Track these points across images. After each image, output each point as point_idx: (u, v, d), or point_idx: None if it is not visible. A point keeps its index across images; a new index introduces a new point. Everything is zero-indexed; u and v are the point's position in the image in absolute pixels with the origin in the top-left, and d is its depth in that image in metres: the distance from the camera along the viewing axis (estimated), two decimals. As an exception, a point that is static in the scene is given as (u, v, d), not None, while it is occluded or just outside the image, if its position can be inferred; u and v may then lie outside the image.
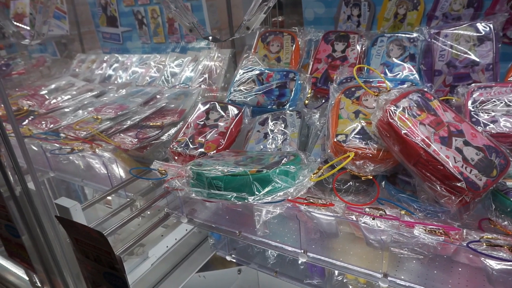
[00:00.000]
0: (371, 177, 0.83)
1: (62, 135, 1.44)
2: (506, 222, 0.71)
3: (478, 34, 1.10)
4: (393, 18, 1.38)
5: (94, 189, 1.83)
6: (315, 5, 1.53)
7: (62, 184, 2.05)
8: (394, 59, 1.21)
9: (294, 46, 1.42)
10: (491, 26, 1.09)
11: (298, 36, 1.44)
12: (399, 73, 1.18)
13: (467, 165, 0.72)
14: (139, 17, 2.08)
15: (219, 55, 1.72)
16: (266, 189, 0.73)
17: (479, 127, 0.87)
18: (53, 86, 1.96)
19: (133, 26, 2.14)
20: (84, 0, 2.29)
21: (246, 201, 0.73)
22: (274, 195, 0.72)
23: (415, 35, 1.20)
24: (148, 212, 1.34)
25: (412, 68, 1.16)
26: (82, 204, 1.14)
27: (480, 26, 1.10)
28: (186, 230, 1.39)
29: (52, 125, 1.55)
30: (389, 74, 1.19)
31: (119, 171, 1.35)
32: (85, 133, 1.40)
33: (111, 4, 2.16)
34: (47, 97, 1.80)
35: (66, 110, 1.68)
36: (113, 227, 1.10)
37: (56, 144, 1.41)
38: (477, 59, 1.09)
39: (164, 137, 1.35)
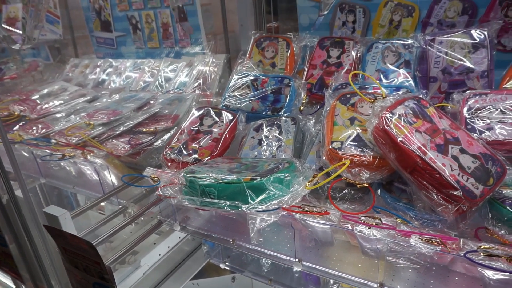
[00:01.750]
0: (367, 185, 0.82)
1: (53, 141, 1.41)
2: (503, 231, 0.70)
3: (473, 41, 1.10)
4: (388, 24, 1.38)
5: (86, 196, 1.80)
6: (310, 11, 1.53)
7: (53, 190, 2.02)
8: (389, 65, 1.20)
9: (289, 51, 1.42)
10: (486, 33, 1.09)
11: (293, 41, 1.43)
12: (394, 80, 1.17)
13: (464, 173, 0.72)
14: (133, 22, 2.06)
15: (214, 60, 1.71)
16: (260, 197, 0.71)
17: (474, 134, 0.86)
18: (45, 91, 1.93)
19: (127, 31, 2.13)
20: (78, 4, 2.27)
21: (239, 209, 0.71)
22: (268, 204, 0.71)
23: (410, 41, 1.20)
24: (142, 219, 1.32)
25: (407, 75, 1.16)
26: (73, 211, 1.11)
27: (474, 33, 1.10)
28: (179, 237, 1.36)
29: (43, 131, 1.52)
30: (384, 81, 1.18)
31: (111, 177, 1.33)
32: (76, 139, 1.37)
33: (105, 9, 2.14)
34: (39, 102, 1.78)
35: (58, 115, 1.66)
36: (104, 236, 1.08)
37: (47, 150, 1.39)
38: (472, 66, 1.09)
39: (158, 143, 1.33)
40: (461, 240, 0.68)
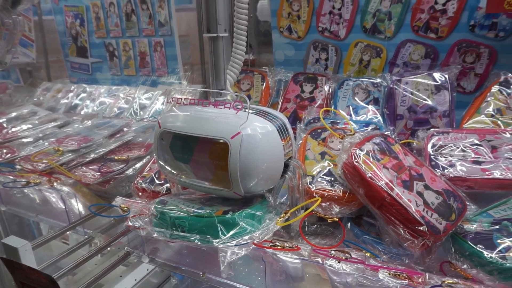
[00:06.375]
0: (337, 219, 0.83)
1: (17, 167, 1.36)
2: (465, 265, 0.73)
3: (435, 83, 1.18)
4: (358, 63, 1.46)
5: (50, 225, 1.71)
6: (285, 47, 1.59)
7: (14, 218, 1.91)
8: (359, 102, 1.26)
9: (264, 85, 1.46)
10: (447, 76, 1.18)
11: (268, 75, 1.48)
12: (364, 116, 1.22)
13: (428, 209, 0.75)
14: (110, 49, 2.07)
15: (191, 91, 1.73)
16: (231, 232, 0.71)
17: (438, 170, 0.91)
18: (13, 114, 1.87)
19: (104, 58, 2.12)
20: (54, 28, 2.26)
21: (210, 244, 0.70)
22: (239, 239, 0.70)
23: (378, 80, 1.27)
24: (109, 249, 1.27)
25: (376, 111, 1.22)
26: (34, 241, 1.06)
27: (437, 75, 1.19)
28: (147, 269, 1.31)
29: (8, 156, 1.46)
30: (354, 116, 1.23)
31: (78, 206, 1.28)
32: (43, 165, 1.33)
33: (82, 35, 2.14)
34: (5, 126, 1.72)
35: (25, 140, 1.60)
36: (67, 268, 1.02)
37: (10, 176, 1.33)
38: (435, 106, 1.16)
39: (129, 172, 1.30)
40: (427, 274, 0.70)
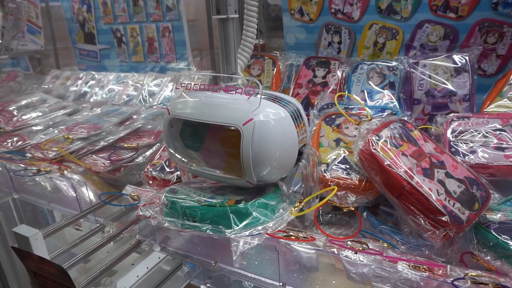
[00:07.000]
0: (353, 209, 0.80)
1: (28, 155, 1.36)
2: (488, 257, 0.70)
3: (455, 66, 1.12)
4: (372, 46, 1.40)
5: (62, 213, 1.72)
6: (296, 30, 1.54)
7: (27, 205, 1.93)
8: (374, 86, 1.21)
9: (275, 70, 1.42)
10: (467, 58, 1.12)
11: (279, 60, 1.43)
12: (379, 101, 1.18)
13: (450, 198, 0.71)
14: (118, 35, 2.04)
15: (200, 76, 1.69)
16: (244, 223, 0.68)
17: (458, 157, 0.87)
18: (23, 102, 1.86)
19: (112, 44, 2.10)
20: (61, 15, 2.23)
21: (222, 234, 0.68)
22: (252, 229, 0.68)
23: (394, 63, 1.22)
24: (121, 236, 1.27)
25: (392, 96, 1.17)
26: (45, 229, 1.06)
27: (456, 57, 1.13)
28: (159, 257, 1.31)
29: (19, 143, 1.46)
30: (369, 101, 1.19)
31: (89, 194, 1.28)
32: (54, 153, 1.32)
33: (89, 21, 2.11)
34: (16, 114, 1.71)
35: (35, 128, 1.60)
36: (79, 256, 1.02)
37: (21, 164, 1.33)
38: (455, 90, 1.10)
39: (139, 160, 1.29)
40: (448, 267, 0.67)
